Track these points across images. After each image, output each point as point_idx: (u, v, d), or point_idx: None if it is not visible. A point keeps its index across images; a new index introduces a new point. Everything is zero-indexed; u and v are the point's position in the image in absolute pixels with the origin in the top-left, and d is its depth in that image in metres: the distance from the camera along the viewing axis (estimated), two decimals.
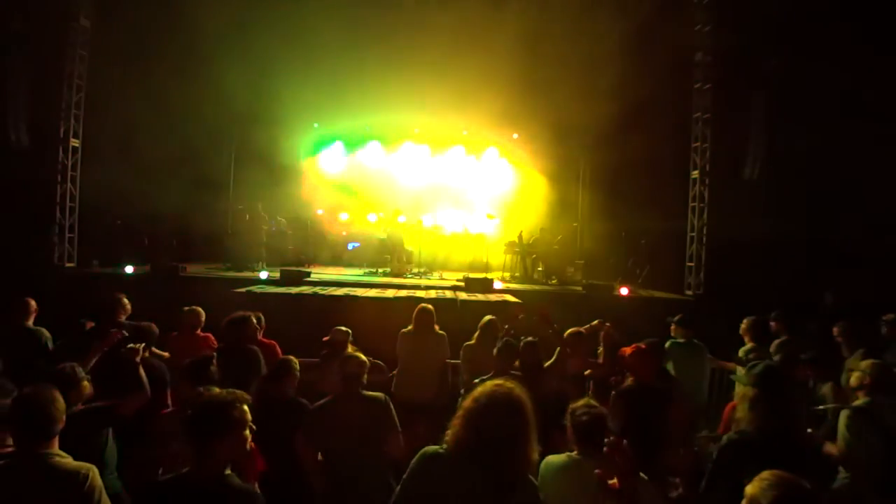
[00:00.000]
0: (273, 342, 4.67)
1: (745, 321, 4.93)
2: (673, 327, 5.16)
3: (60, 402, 2.33)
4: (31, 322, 4.53)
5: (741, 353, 4.76)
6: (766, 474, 1.79)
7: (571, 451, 2.53)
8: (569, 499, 2.09)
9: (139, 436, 3.19)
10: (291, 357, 3.73)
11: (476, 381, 3.90)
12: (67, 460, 2.24)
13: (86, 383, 3.06)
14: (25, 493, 2.12)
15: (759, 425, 2.55)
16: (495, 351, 4.12)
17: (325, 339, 4.56)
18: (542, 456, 2.38)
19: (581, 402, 2.64)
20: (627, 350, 3.77)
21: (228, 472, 2.08)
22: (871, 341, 4.41)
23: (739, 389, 2.77)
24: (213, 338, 4.73)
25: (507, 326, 5.05)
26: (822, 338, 4.87)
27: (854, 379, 3.36)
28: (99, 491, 2.20)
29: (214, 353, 3.62)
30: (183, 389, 3.21)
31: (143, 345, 3.36)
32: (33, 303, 4.58)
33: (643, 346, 3.79)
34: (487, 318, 4.98)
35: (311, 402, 3.39)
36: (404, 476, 2.02)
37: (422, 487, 1.96)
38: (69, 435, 2.39)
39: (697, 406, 4.33)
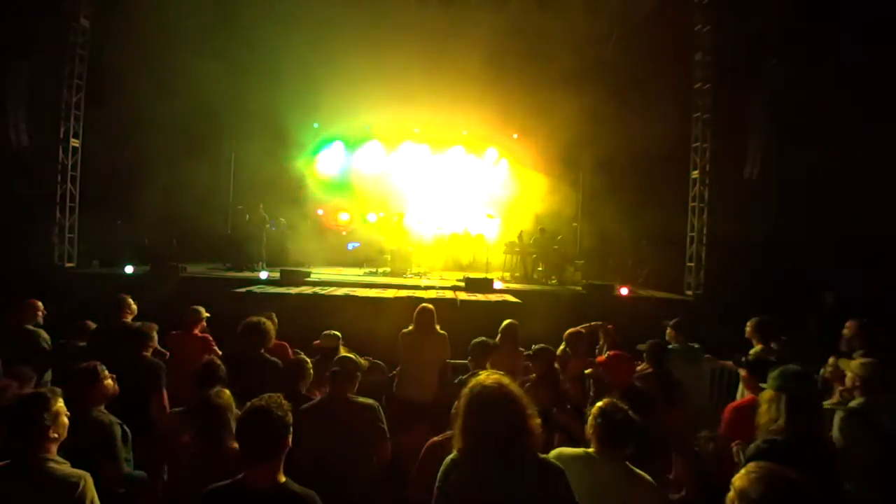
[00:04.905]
0: (284, 343, 4.62)
1: (750, 322, 4.84)
2: (669, 332, 5.11)
3: (57, 407, 2.32)
4: (31, 323, 4.54)
5: (751, 354, 4.69)
6: (752, 466, 1.79)
7: (588, 447, 2.46)
8: (580, 494, 2.06)
9: (141, 432, 3.19)
10: (303, 357, 3.70)
11: (457, 380, 3.88)
12: (63, 467, 2.24)
13: (109, 382, 3.06)
14: (16, 499, 2.14)
15: (787, 431, 2.50)
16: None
17: (316, 343, 4.54)
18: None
19: (608, 401, 2.54)
20: (601, 358, 3.79)
21: (283, 478, 2.10)
22: (883, 344, 4.36)
23: (765, 394, 2.72)
24: (210, 338, 4.73)
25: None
26: (822, 337, 4.86)
27: (847, 380, 3.36)
28: (90, 499, 2.21)
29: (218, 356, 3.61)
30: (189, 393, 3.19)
31: None
32: (36, 304, 4.60)
33: (615, 353, 3.81)
34: (507, 322, 4.85)
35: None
36: (435, 491, 2.01)
37: (451, 497, 1.95)
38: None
39: (697, 409, 4.31)
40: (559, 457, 2.35)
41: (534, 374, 4.03)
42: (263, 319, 4.10)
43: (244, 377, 3.45)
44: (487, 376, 2.10)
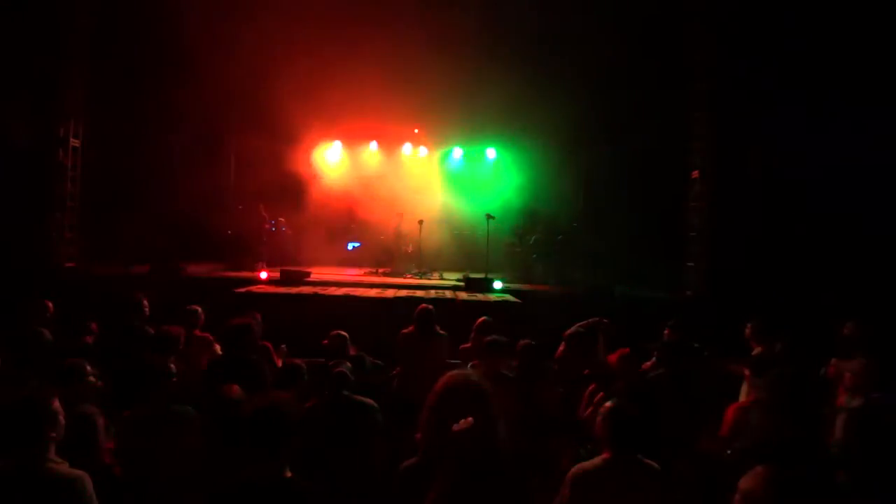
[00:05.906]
0: (267, 344, 4.63)
1: (750, 323, 4.79)
2: (667, 332, 5.09)
3: (55, 407, 2.30)
4: (39, 324, 4.54)
5: (754, 355, 4.67)
6: (757, 468, 1.80)
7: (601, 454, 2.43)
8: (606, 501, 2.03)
9: None
10: (298, 362, 3.68)
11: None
12: (61, 467, 2.23)
13: (93, 378, 3.04)
14: (16, 500, 2.13)
15: (789, 434, 2.50)
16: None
17: (325, 342, 4.54)
18: (541, 464, 2.32)
19: (617, 402, 2.53)
20: (614, 357, 3.78)
21: (289, 474, 2.11)
22: (881, 344, 4.36)
23: (765, 397, 2.71)
24: (211, 337, 4.72)
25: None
26: (821, 337, 4.85)
27: (846, 380, 3.38)
28: (89, 499, 2.20)
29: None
30: None
31: None
32: (44, 304, 4.64)
33: (626, 351, 3.79)
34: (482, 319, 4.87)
35: None
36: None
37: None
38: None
39: (699, 410, 4.30)
40: (577, 474, 2.32)
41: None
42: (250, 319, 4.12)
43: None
44: (461, 371, 2.04)
